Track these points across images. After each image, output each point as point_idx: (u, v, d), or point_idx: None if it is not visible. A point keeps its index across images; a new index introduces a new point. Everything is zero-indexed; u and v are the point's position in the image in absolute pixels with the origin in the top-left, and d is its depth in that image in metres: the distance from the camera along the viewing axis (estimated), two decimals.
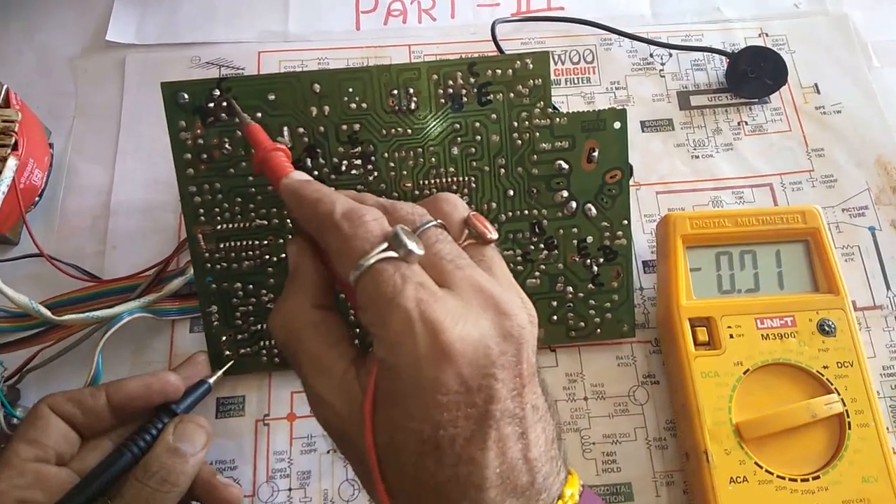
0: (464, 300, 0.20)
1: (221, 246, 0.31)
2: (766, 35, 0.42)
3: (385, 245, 0.20)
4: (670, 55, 0.42)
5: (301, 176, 0.25)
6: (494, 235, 0.24)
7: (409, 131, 0.31)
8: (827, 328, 0.31)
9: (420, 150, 0.31)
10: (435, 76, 0.30)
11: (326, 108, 0.30)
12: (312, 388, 0.22)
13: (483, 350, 0.20)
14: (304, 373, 0.22)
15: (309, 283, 0.23)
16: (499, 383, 0.20)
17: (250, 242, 0.31)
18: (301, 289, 0.23)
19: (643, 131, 0.40)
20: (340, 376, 0.21)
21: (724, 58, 0.41)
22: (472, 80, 0.31)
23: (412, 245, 0.20)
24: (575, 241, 0.33)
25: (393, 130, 0.31)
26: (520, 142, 0.31)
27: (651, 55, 0.42)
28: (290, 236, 0.31)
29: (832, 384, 0.30)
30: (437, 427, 0.19)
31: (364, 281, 0.20)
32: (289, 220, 0.31)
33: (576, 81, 0.41)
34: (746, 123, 0.40)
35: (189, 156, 0.30)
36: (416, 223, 0.22)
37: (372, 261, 0.20)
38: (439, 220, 0.23)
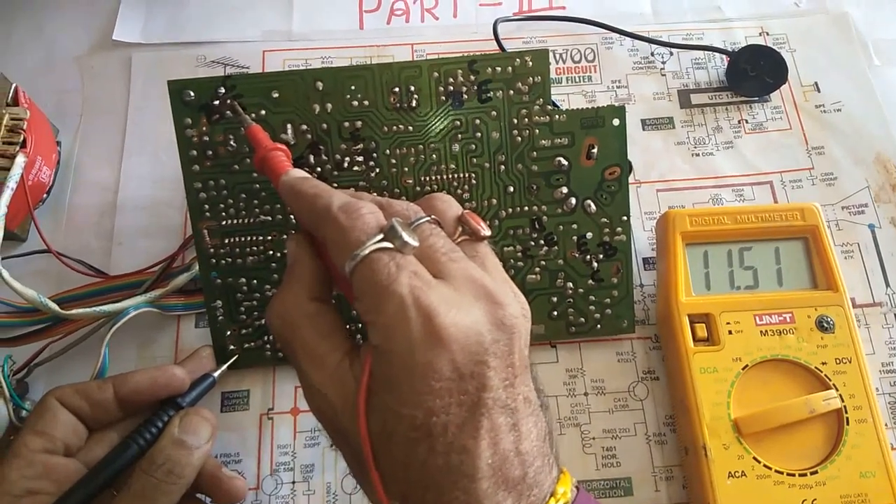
0: (457, 289, 0.21)
1: (226, 241, 0.32)
2: (767, 34, 0.42)
3: (381, 236, 0.21)
4: (671, 54, 0.42)
5: (299, 173, 0.25)
6: (487, 232, 0.24)
7: (411, 128, 0.31)
8: (825, 325, 0.32)
9: (421, 146, 0.31)
10: (436, 74, 0.31)
11: (329, 106, 0.31)
12: (307, 378, 0.22)
13: (475, 337, 0.20)
14: (298, 363, 0.23)
15: (306, 275, 0.24)
16: (491, 371, 0.20)
17: (254, 238, 0.32)
18: (298, 281, 0.24)
19: (644, 129, 0.40)
20: (334, 367, 0.22)
21: (724, 56, 0.41)
22: (472, 77, 0.31)
23: (407, 237, 0.21)
24: (574, 238, 0.33)
25: (395, 127, 0.31)
26: (519, 139, 0.32)
27: (652, 54, 0.42)
28: (293, 232, 0.31)
29: (830, 380, 0.30)
30: (430, 413, 0.19)
31: (360, 270, 0.21)
32: (292, 216, 0.32)
33: (577, 80, 0.41)
34: (747, 122, 0.40)
35: (194, 152, 0.31)
36: (411, 218, 0.23)
37: (368, 250, 0.20)
38: (433, 217, 0.23)
